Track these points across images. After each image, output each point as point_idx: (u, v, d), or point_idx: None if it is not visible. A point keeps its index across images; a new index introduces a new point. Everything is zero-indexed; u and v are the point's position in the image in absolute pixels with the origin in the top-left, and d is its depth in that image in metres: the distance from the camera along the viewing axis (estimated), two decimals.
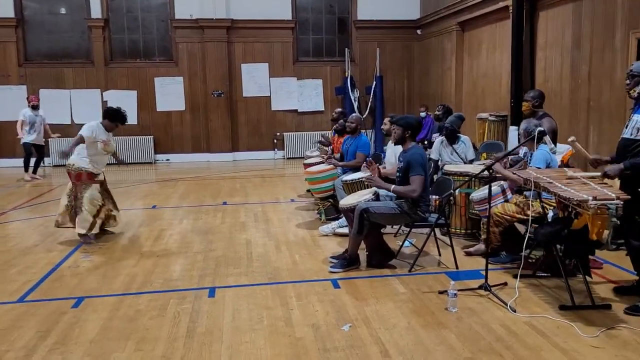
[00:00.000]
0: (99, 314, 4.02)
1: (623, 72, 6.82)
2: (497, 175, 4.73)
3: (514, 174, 4.67)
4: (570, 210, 3.92)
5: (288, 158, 13.94)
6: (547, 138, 4.11)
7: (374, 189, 5.16)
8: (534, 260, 4.91)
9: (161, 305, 4.19)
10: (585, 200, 3.53)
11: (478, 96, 11.12)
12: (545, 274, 4.64)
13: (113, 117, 6.15)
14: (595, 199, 3.52)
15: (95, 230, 6.03)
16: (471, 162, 6.84)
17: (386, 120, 6.18)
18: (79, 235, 5.97)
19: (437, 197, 5.00)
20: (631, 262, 4.10)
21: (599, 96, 7.31)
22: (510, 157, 6.08)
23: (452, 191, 4.93)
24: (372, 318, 3.88)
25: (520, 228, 5.28)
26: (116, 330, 3.74)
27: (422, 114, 11.16)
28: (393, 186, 4.85)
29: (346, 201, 5.08)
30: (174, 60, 13.62)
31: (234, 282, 4.71)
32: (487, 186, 5.14)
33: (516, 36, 7.10)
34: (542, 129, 4.11)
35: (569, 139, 4.39)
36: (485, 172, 4.36)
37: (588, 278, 4.13)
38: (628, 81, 3.85)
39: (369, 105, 13.64)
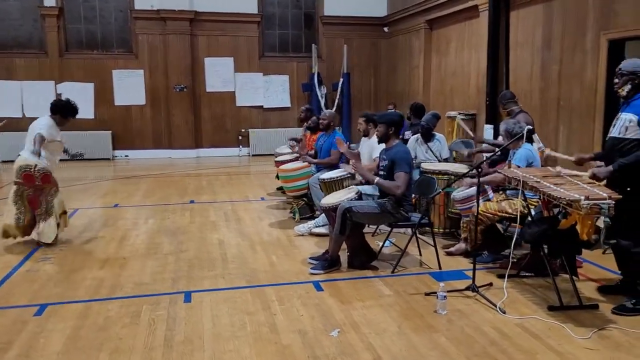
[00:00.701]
0: (66, 323, 3.71)
1: (593, 72, 6.92)
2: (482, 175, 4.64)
3: (499, 172, 4.61)
4: (560, 209, 3.86)
5: (254, 155, 13.65)
6: (536, 136, 4.04)
7: (357, 188, 5.01)
8: (516, 260, 4.86)
9: (134, 311, 3.91)
10: (577, 200, 3.47)
11: (446, 95, 11.13)
12: (528, 274, 4.59)
13: (65, 112, 5.62)
14: (587, 198, 3.45)
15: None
16: (446, 160, 6.79)
17: (361, 120, 6.03)
18: (41, 244, 5.52)
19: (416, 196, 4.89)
20: (616, 261, 4.09)
21: (569, 96, 7.37)
22: (486, 156, 6.07)
23: (441, 190, 4.82)
24: (361, 322, 3.72)
25: (500, 227, 5.25)
26: (86, 340, 3.45)
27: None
28: (377, 178, 4.71)
29: (328, 200, 4.91)
30: (134, 53, 13.10)
31: (210, 286, 4.47)
32: (468, 185, 5.10)
33: (492, 35, 7.08)
34: (530, 127, 4.04)
35: (546, 152, 4.35)
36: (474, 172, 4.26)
37: (574, 278, 4.09)
38: (617, 80, 3.82)
39: (336, 103, 13.48)
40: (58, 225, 5.58)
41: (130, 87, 13.04)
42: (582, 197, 3.45)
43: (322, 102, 13.31)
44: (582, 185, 3.79)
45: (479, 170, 4.13)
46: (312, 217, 6.61)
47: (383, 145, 5.16)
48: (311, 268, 4.80)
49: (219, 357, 3.25)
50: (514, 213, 4.70)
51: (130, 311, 3.91)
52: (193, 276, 4.70)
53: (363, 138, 6.18)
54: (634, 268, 3.84)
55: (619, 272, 4.17)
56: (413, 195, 5.03)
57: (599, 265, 4.85)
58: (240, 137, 13.78)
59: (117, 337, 3.49)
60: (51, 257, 5.20)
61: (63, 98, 5.69)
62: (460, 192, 5.09)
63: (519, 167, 4.57)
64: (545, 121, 7.80)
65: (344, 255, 4.92)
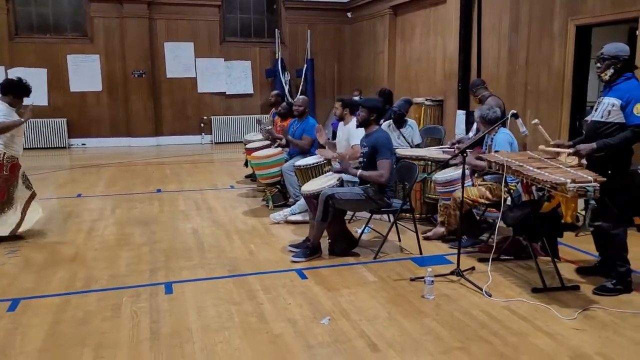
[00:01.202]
0: (42, 318, 3.52)
1: (561, 58, 7.06)
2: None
3: (480, 158, 4.64)
4: (543, 193, 3.91)
5: (216, 143, 13.38)
6: (520, 121, 4.07)
7: (337, 174, 4.94)
8: (494, 244, 4.92)
9: (113, 304, 3.75)
10: (563, 183, 3.51)
11: (411, 80, 11.18)
12: (508, 257, 4.66)
13: (18, 91, 5.23)
14: (573, 181, 3.50)
15: (24, 228, 5.31)
16: (417, 146, 6.81)
17: (337, 104, 5.95)
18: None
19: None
20: (595, 243, 4.18)
21: (537, 81, 7.51)
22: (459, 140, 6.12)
23: (427, 175, 4.81)
24: (350, 309, 3.68)
25: (475, 212, 5.30)
26: (67, 336, 3.27)
27: (356, 99, 11.05)
28: (360, 171, 4.65)
29: (309, 187, 4.83)
30: (89, 37, 12.56)
31: (190, 276, 4.33)
32: (449, 169, 5.13)
33: (464, 20, 7.11)
34: (514, 111, 4.07)
35: (533, 122, 4.40)
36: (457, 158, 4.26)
37: (555, 260, 4.17)
38: (599, 64, 3.87)
39: (299, 89, 13.34)
40: (24, 213, 5.29)
41: (85, 73, 12.52)
42: (568, 180, 3.49)
43: (286, 88, 13.15)
44: (565, 168, 3.84)
45: (464, 154, 4.14)
46: (286, 205, 6.52)
47: (360, 132, 5.12)
48: (292, 256, 4.73)
49: (210, 349, 3.14)
50: (495, 198, 4.75)
51: (110, 304, 3.75)
52: (171, 267, 4.55)
53: (340, 125, 6.11)
54: (612, 250, 3.93)
55: (597, 253, 4.27)
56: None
57: (574, 247, 4.97)
58: (202, 125, 13.48)
59: (99, 331, 3.33)
60: (17, 250, 4.93)
61: (19, 78, 5.32)
62: (441, 175, 5.10)
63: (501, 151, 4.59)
64: (512, 106, 7.85)
65: (324, 243, 4.86)
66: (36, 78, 11.78)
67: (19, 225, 5.26)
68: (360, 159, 4.83)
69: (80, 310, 3.64)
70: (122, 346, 3.16)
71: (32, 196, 5.49)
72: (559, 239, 4.51)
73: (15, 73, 11.71)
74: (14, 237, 5.26)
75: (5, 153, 5.12)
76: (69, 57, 12.39)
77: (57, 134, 12.40)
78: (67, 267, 4.51)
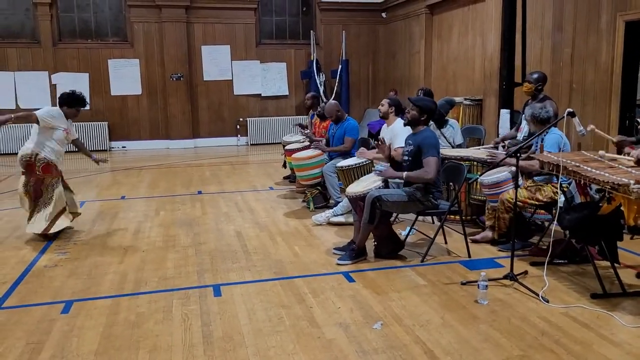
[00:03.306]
0: (96, 320, 3.55)
1: (609, 54, 6.82)
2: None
3: (530, 158, 4.50)
4: (603, 194, 3.76)
5: (252, 144, 13.45)
6: (576, 120, 3.92)
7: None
8: (545, 247, 4.77)
9: (164, 307, 3.76)
10: (625, 184, 3.36)
11: (448, 80, 11.01)
12: (562, 261, 4.50)
13: (71, 102, 5.45)
14: (637, 182, 3.35)
15: (56, 229, 5.35)
16: (459, 146, 6.68)
17: (384, 101, 5.86)
18: (38, 234, 5.33)
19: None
20: None
21: (583, 79, 7.28)
22: (508, 142, 5.97)
23: (478, 175, 4.70)
24: (402, 314, 3.61)
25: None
26: (121, 339, 3.29)
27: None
28: (405, 173, 4.56)
29: (354, 189, 4.76)
30: (129, 41, 12.80)
31: (237, 279, 4.32)
32: (494, 169, 4.99)
33: (508, 17, 6.95)
34: (571, 110, 3.92)
35: (588, 128, 4.24)
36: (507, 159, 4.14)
37: (615, 264, 4.00)
38: None
39: (334, 90, 13.30)
40: (57, 218, 5.32)
41: (126, 77, 12.76)
42: (632, 181, 3.34)
43: (321, 89, 13.12)
44: (625, 168, 3.69)
45: (518, 155, 4.02)
46: (327, 206, 6.48)
47: (404, 134, 5.04)
48: (338, 259, 4.67)
49: (263, 353, 3.11)
50: (545, 200, 4.61)
51: (161, 306, 3.76)
52: (218, 269, 4.55)
53: (384, 126, 6.02)
54: None
55: None
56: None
57: (630, 251, 4.78)
58: (238, 127, 13.56)
59: (153, 334, 3.34)
60: (67, 252, 5.01)
61: (72, 90, 5.52)
62: (488, 177, 4.98)
63: (551, 152, 4.46)
64: (557, 105, 7.70)
65: (369, 245, 4.79)
66: (79, 83, 12.11)
67: (49, 227, 5.28)
68: (405, 157, 4.73)
69: (132, 313, 3.66)
70: (176, 350, 3.15)
71: (64, 209, 5.45)
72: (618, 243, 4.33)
73: (58, 78, 12.13)
74: (64, 238, 5.38)
75: (37, 154, 5.25)
76: (109, 62, 12.65)
77: (98, 137, 12.66)
78: (116, 269, 4.55)
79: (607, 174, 3.60)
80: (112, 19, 12.79)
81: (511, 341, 3.22)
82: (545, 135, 4.73)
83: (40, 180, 5.32)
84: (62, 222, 5.39)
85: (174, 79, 12.83)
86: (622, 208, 3.64)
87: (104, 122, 12.66)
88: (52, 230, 5.33)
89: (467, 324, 3.46)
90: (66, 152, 5.69)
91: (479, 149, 6.30)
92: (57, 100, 5.55)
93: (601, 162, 3.93)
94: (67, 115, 5.50)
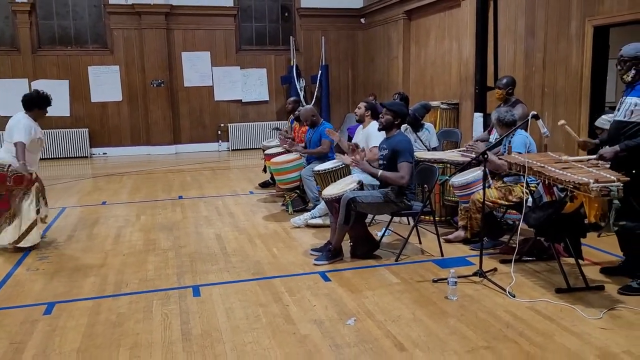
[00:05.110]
0: (77, 320, 3.64)
1: (579, 59, 7.06)
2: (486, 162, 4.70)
3: (500, 159, 4.68)
4: (566, 193, 3.94)
5: (233, 150, 13.54)
6: (540, 122, 4.11)
7: (358, 177, 5.01)
8: (515, 245, 4.95)
9: (144, 307, 3.86)
10: (586, 183, 3.54)
11: (426, 84, 11.22)
12: (530, 258, 4.68)
13: (42, 104, 5.29)
14: (596, 181, 3.53)
15: (27, 244, 5.22)
16: (434, 149, 6.85)
17: (361, 104, 6.02)
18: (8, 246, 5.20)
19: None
20: (619, 242, 4.20)
21: (554, 83, 7.52)
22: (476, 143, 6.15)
23: (447, 177, 4.86)
24: (374, 310, 3.75)
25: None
26: (102, 337, 3.38)
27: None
28: (381, 171, 4.72)
29: (330, 191, 4.90)
30: (109, 48, 12.82)
31: (216, 279, 4.43)
32: (466, 171, 5.16)
33: (481, 23, 7.16)
34: (535, 112, 4.11)
35: (559, 123, 4.44)
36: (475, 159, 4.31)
37: (579, 260, 4.19)
38: (620, 67, 3.90)
39: (315, 95, 13.46)
40: (28, 232, 5.20)
41: (106, 84, 12.76)
42: (591, 180, 3.52)
43: (302, 94, 13.26)
44: (587, 168, 3.87)
45: (485, 157, 4.19)
46: (305, 209, 6.60)
47: (379, 135, 5.20)
48: (315, 259, 4.81)
49: (240, 349, 3.22)
50: (515, 200, 4.79)
51: (141, 307, 3.86)
52: (197, 270, 4.65)
53: (358, 129, 6.18)
54: (637, 249, 3.95)
55: (622, 253, 4.29)
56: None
57: (596, 248, 4.99)
58: (219, 132, 13.64)
59: (133, 333, 3.44)
60: (48, 257, 5.07)
61: (37, 90, 5.39)
62: (458, 178, 5.15)
63: (519, 153, 4.64)
64: (529, 107, 7.92)
65: (345, 246, 4.93)
66: (59, 89, 12.09)
67: (20, 239, 5.18)
68: (380, 162, 4.89)
69: (113, 313, 3.75)
70: (156, 347, 3.26)
71: (35, 223, 5.29)
72: (582, 240, 4.51)
73: (38, 85, 12.01)
74: (45, 243, 5.43)
75: (10, 165, 5.07)
76: (90, 69, 12.64)
77: (79, 144, 12.63)
78: (97, 272, 4.63)
79: (569, 174, 3.77)
80: (91, 26, 12.80)
81: (477, 333, 3.37)
82: (512, 137, 4.93)
83: (9, 191, 5.16)
84: (34, 238, 5.25)
85: (155, 85, 12.88)
86: (583, 206, 3.82)
87: (84, 128, 12.64)
88: (23, 244, 5.20)
89: (436, 318, 3.61)
90: (50, 158, 5.70)
91: (453, 151, 6.48)
92: (24, 105, 5.31)
93: (565, 163, 4.11)
94: (37, 117, 5.33)
